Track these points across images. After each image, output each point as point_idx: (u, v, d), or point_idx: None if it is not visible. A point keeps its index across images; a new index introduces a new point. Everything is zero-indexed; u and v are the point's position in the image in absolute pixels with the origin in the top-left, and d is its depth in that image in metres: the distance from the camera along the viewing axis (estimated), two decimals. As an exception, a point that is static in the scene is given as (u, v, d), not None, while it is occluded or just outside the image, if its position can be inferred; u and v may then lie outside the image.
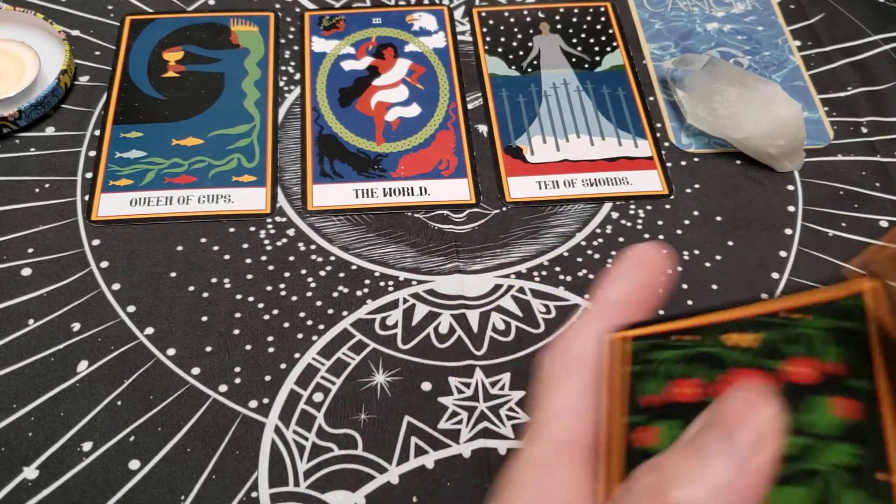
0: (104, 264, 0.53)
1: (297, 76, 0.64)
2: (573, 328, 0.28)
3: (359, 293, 0.52)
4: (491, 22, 0.68)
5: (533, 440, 0.26)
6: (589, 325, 0.28)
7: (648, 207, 0.58)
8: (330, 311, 0.52)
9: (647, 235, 0.56)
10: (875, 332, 0.22)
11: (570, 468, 0.25)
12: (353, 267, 0.54)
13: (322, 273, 0.53)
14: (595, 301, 0.28)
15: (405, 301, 0.52)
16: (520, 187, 0.58)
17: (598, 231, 0.56)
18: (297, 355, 0.50)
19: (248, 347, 0.50)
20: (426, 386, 0.49)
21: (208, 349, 0.50)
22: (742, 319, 0.25)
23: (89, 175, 0.57)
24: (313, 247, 0.54)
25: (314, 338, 0.50)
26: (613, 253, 0.55)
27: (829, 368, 0.22)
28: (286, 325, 0.51)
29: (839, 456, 0.21)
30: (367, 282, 0.53)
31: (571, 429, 0.26)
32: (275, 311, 0.51)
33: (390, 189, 0.57)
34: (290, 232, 0.55)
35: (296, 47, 0.66)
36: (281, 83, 0.63)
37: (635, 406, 0.26)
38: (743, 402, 0.22)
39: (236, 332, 0.50)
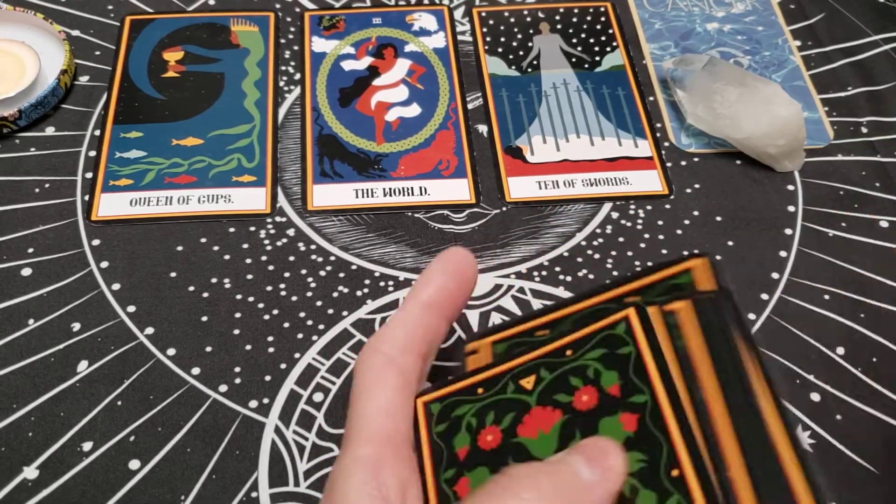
0: (104, 264, 0.53)
1: (297, 76, 0.64)
2: (382, 330, 0.29)
3: (359, 293, 0.52)
4: (491, 22, 0.68)
5: (354, 441, 0.27)
6: (397, 327, 0.29)
7: (648, 207, 0.58)
8: (330, 311, 0.52)
9: (647, 235, 0.56)
10: (647, 351, 0.25)
11: (396, 463, 0.26)
12: (353, 267, 0.54)
13: (322, 273, 0.53)
14: (404, 303, 0.29)
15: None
16: (520, 187, 0.58)
17: (598, 231, 0.56)
18: (297, 355, 0.50)
19: (249, 347, 0.50)
20: (425, 386, 0.49)
21: (208, 349, 0.50)
22: (526, 364, 0.27)
23: (89, 175, 0.57)
24: (313, 247, 0.54)
25: (314, 338, 0.50)
26: (614, 253, 0.55)
27: (609, 391, 0.25)
28: (286, 325, 0.51)
29: (632, 463, 0.24)
30: (367, 282, 0.53)
31: (390, 427, 0.27)
32: (275, 311, 0.51)
33: (390, 189, 0.57)
34: (290, 232, 0.55)
35: (296, 47, 0.66)
36: (281, 83, 0.63)
37: (450, 462, 0.27)
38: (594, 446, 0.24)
39: (236, 332, 0.50)
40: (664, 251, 0.55)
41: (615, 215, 0.57)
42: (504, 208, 0.57)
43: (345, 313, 0.52)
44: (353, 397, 0.28)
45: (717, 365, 0.25)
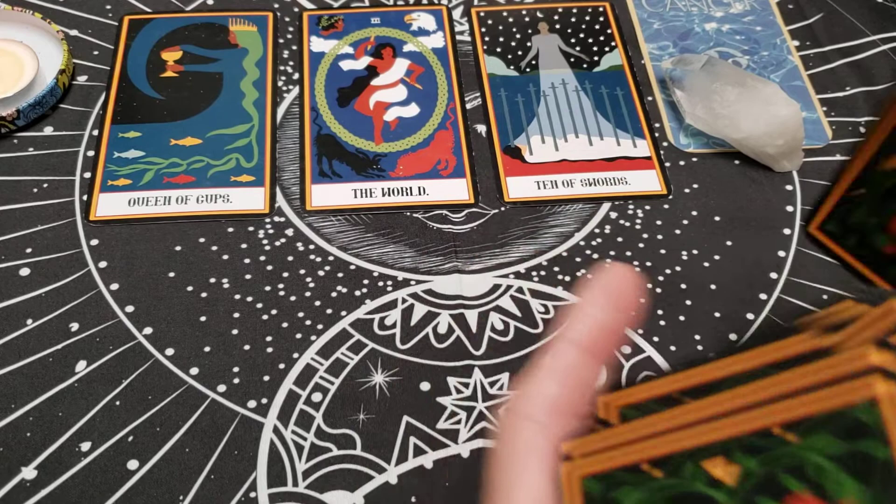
0: (102, 264, 0.53)
1: (296, 76, 0.64)
2: (530, 388, 0.23)
3: (357, 293, 0.52)
4: (489, 22, 0.68)
5: None
6: (548, 381, 0.23)
7: (647, 207, 0.58)
8: (328, 311, 0.52)
9: (645, 235, 0.56)
10: None
11: None
12: (352, 267, 0.54)
13: (321, 273, 0.53)
14: (553, 345, 0.23)
15: (404, 301, 0.52)
16: (518, 187, 0.58)
17: (597, 231, 0.56)
18: (295, 355, 0.50)
19: (247, 347, 0.50)
20: (425, 386, 0.49)
21: (207, 349, 0.50)
22: (724, 442, 0.18)
23: (87, 175, 0.57)
24: (312, 247, 0.54)
25: (313, 338, 0.50)
26: (612, 253, 0.55)
27: None
28: (285, 325, 0.51)
29: None
30: (365, 282, 0.53)
31: None
32: (273, 311, 0.51)
33: (389, 189, 0.57)
34: (289, 232, 0.55)
35: (294, 47, 0.66)
36: (279, 83, 0.63)
37: None
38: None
39: (235, 332, 0.50)
40: (662, 251, 0.55)
41: (614, 215, 0.57)
42: (503, 208, 0.57)
43: (343, 313, 0.52)
44: (500, 477, 0.22)
45: None
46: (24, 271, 0.52)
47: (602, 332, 0.23)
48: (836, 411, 0.16)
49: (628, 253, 0.55)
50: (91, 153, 0.58)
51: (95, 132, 0.59)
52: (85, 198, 0.56)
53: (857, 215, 0.22)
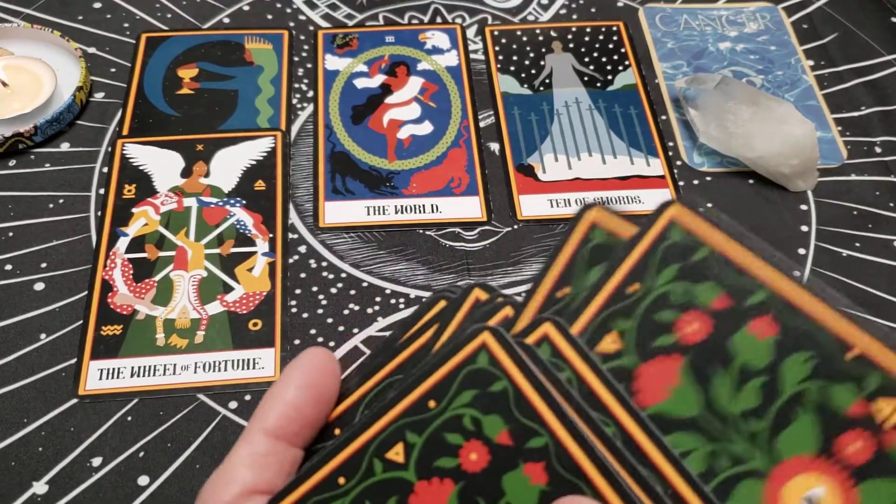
0: (116, 279, 0.53)
1: (311, 94, 0.64)
2: (218, 472, 0.23)
3: (369, 310, 0.52)
4: (503, 41, 0.69)
5: None
6: (237, 467, 0.23)
7: (660, 226, 0.57)
8: (340, 328, 0.51)
9: (659, 254, 0.56)
10: (524, 381, 0.20)
11: None
12: (364, 284, 0.54)
13: (333, 290, 0.53)
14: (246, 432, 0.24)
15: (416, 318, 0.52)
16: (531, 205, 0.58)
17: (610, 250, 0.56)
18: (307, 372, 0.49)
19: (259, 364, 0.50)
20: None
21: (219, 365, 0.50)
22: (385, 430, 0.22)
23: (103, 191, 0.57)
24: (324, 263, 0.54)
25: (324, 355, 0.50)
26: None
27: (498, 441, 0.20)
28: (297, 342, 0.51)
29: None
30: (378, 299, 0.53)
31: None
32: (285, 328, 0.51)
33: (402, 206, 0.57)
34: (302, 249, 0.55)
35: (309, 65, 0.66)
36: (294, 100, 0.63)
37: None
38: None
39: (247, 348, 0.50)
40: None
41: (627, 234, 0.57)
42: (516, 226, 0.57)
43: (355, 330, 0.51)
44: None
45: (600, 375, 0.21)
46: (39, 286, 0.52)
47: (295, 416, 0.23)
48: (464, 371, 0.21)
49: (641, 272, 0.55)
50: (106, 169, 0.58)
51: (111, 149, 0.60)
52: (100, 213, 0.56)
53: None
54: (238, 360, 0.50)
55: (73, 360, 0.49)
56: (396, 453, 0.22)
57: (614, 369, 0.22)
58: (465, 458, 0.21)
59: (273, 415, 0.23)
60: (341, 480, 0.22)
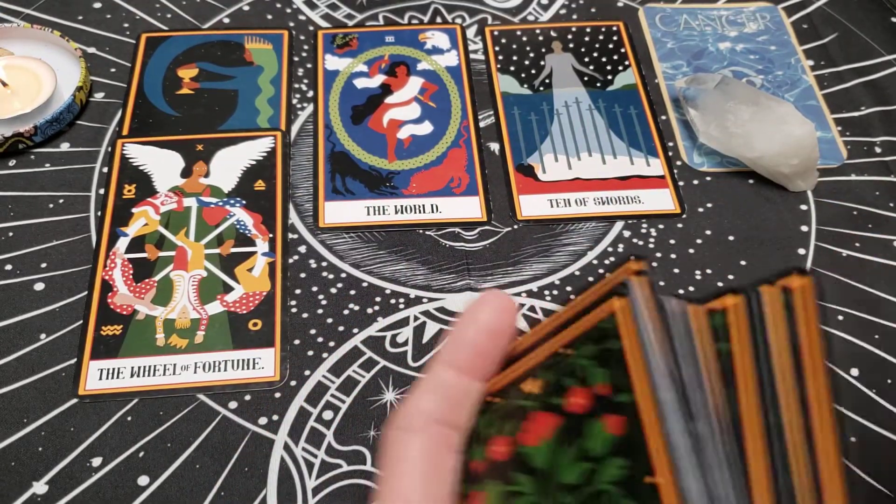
0: (116, 279, 0.53)
1: (311, 94, 0.64)
2: (409, 402, 0.25)
3: (369, 310, 0.52)
4: (503, 41, 0.69)
5: None
6: (425, 398, 0.25)
7: (661, 226, 0.57)
8: (340, 329, 0.51)
9: (659, 254, 0.56)
10: (631, 345, 0.22)
11: None
12: (364, 284, 0.54)
13: (333, 290, 0.53)
14: (431, 366, 0.26)
15: (416, 318, 0.52)
16: (531, 205, 0.58)
17: (610, 250, 0.56)
18: (307, 372, 0.50)
19: (259, 364, 0.50)
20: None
21: (219, 365, 0.50)
22: (532, 368, 0.26)
23: (103, 191, 0.57)
24: (324, 264, 0.54)
25: (324, 355, 0.50)
26: (625, 272, 0.55)
27: (598, 391, 0.23)
28: (297, 342, 0.51)
29: (613, 471, 0.22)
30: (377, 299, 0.53)
31: None
32: (285, 328, 0.51)
33: (402, 206, 0.57)
34: (302, 249, 0.55)
35: (309, 65, 0.66)
36: (294, 100, 0.63)
37: (466, 474, 0.26)
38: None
39: (247, 348, 0.50)
40: (676, 270, 0.55)
41: (627, 234, 0.57)
42: (515, 226, 0.57)
43: (355, 330, 0.51)
44: (380, 484, 0.24)
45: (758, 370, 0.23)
46: (39, 286, 0.52)
47: (476, 353, 0.26)
48: (593, 327, 0.23)
49: (641, 272, 0.55)
50: (106, 169, 0.58)
51: (111, 148, 0.60)
52: (99, 213, 0.56)
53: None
54: (238, 360, 0.50)
55: (73, 360, 0.49)
56: (530, 385, 0.25)
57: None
58: (571, 400, 0.24)
59: (457, 351, 0.26)
60: (492, 399, 0.26)
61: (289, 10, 0.69)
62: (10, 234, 0.54)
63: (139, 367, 0.49)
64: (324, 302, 0.53)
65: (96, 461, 0.46)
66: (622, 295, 0.23)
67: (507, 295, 0.29)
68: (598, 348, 0.23)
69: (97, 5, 0.68)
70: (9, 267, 0.53)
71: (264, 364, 0.49)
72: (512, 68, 0.66)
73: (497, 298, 0.26)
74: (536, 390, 0.25)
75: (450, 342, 0.26)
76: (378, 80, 0.65)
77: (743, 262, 0.56)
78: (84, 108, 0.62)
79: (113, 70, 0.64)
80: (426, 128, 0.62)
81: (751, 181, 0.60)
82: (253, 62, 0.65)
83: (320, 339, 0.51)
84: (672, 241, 0.57)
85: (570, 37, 0.69)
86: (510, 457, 0.25)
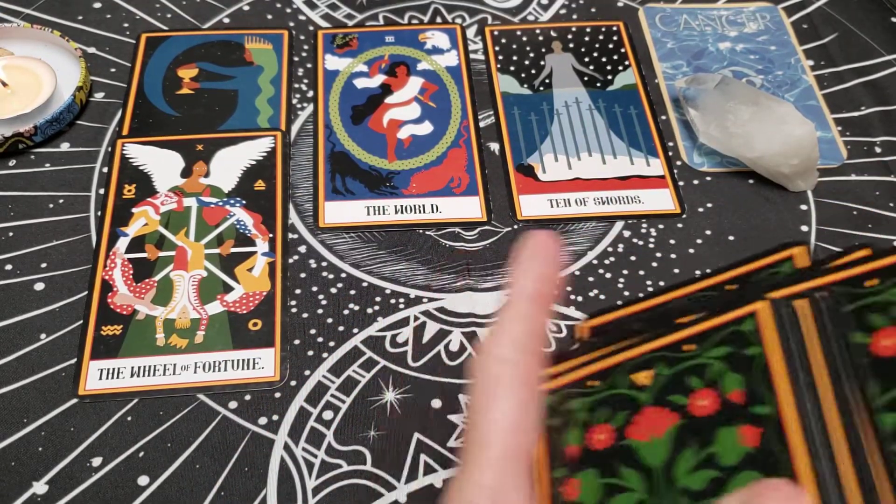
0: (116, 279, 0.53)
1: (311, 94, 0.64)
2: (498, 331, 0.26)
3: (369, 310, 0.52)
4: (503, 41, 0.69)
5: (477, 464, 0.24)
6: (513, 326, 0.26)
7: (661, 226, 0.57)
8: (340, 329, 0.51)
9: (659, 254, 0.56)
10: (776, 353, 0.22)
11: (517, 491, 0.24)
12: (364, 284, 0.54)
13: (333, 290, 0.53)
14: (511, 299, 0.27)
15: (416, 318, 0.52)
16: (531, 205, 0.58)
17: (610, 250, 0.56)
18: (307, 372, 0.50)
19: (259, 364, 0.50)
20: (436, 403, 0.49)
21: (219, 365, 0.50)
22: (643, 356, 0.25)
23: (102, 191, 0.57)
24: (324, 264, 0.54)
25: (324, 355, 0.50)
26: (625, 272, 0.55)
27: (731, 398, 0.22)
28: (297, 342, 0.51)
29: (745, 484, 0.21)
30: (377, 299, 0.53)
31: (514, 445, 0.24)
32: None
33: (402, 206, 0.57)
34: (302, 249, 0.55)
35: (309, 65, 0.66)
36: (294, 100, 0.63)
37: (560, 459, 0.26)
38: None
39: (247, 348, 0.50)
40: (676, 270, 0.55)
41: (627, 234, 0.57)
42: (515, 226, 0.57)
43: (355, 330, 0.51)
44: (474, 409, 0.25)
45: (833, 373, 0.22)
46: (39, 286, 0.52)
47: (542, 283, 0.27)
48: (729, 329, 0.23)
49: (641, 272, 0.55)
50: (106, 169, 0.58)
51: (111, 148, 0.60)
52: (99, 213, 0.56)
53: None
54: (238, 360, 0.50)
55: (73, 360, 0.49)
56: (645, 377, 0.24)
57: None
58: (695, 401, 0.23)
59: (530, 283, 0.26)
60: (592, 383, 0.26)
61: (289, 10, 0.70)
62: (10, 234, 0.54)
63: (139, 367, 0.49)
64: (324, 302, 0.53)
65: (96, 461, 0.46)
66: (763, 298, 0.22)
67: (551, 232, 0.30)
68: (730, 351, 0.23)
69: (97, 5, 0.68)
70: (9, 267, 0.53)
71: (264, 364, 0.49)
72: (512, 68, 0.66)
73: (542, 233, 0.28)
74: (648, 383, 0.25)
75: (520, 274, 0.27)
76: (378, 80, 0.65)
77: (743, 262, 0.56)
78: (84, 108, 0.62)
79: (113, 70, 0.64)
80: (426, 128, 0.62)
81: (751, 181, 0.60)
82: (253, 62, 0.65)
83: (320, 339, 0.51)
84: (672, 241, 0.57)
85: (570, 37, 0.69)
86: (613, 448, 0.25)
